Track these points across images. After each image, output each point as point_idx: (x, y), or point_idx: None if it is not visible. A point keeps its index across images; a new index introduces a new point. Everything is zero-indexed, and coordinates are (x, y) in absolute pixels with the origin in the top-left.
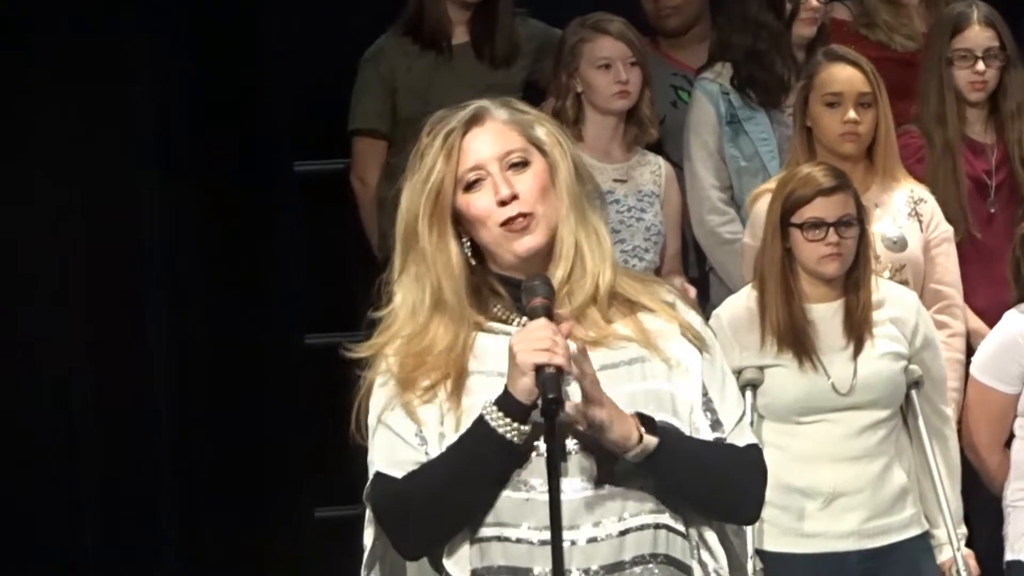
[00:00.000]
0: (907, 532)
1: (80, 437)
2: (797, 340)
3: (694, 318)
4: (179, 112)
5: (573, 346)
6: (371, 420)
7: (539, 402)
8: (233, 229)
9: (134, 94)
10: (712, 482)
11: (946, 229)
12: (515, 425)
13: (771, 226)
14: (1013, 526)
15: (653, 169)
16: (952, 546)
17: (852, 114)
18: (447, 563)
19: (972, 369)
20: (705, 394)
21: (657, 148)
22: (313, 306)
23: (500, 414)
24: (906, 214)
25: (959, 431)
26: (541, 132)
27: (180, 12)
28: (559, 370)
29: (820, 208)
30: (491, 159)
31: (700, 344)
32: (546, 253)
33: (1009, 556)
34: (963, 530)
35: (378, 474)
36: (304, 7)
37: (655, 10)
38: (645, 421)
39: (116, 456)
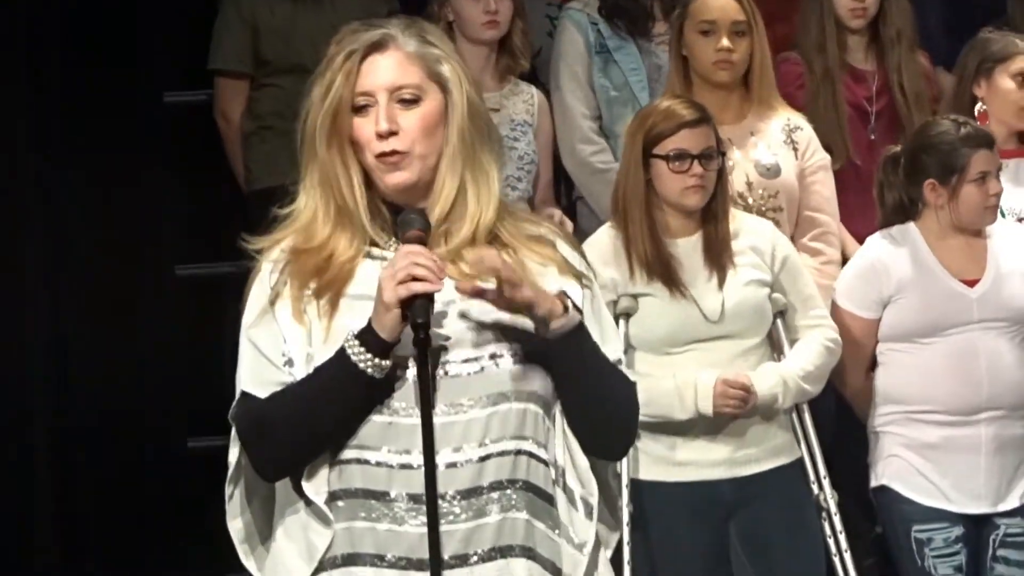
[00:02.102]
0: (778, 460)
1: None
2: (664, 271)
3: (573, 255)
4: (49, 43)
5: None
6: (242, 328)
7: (405, 334)
8: (102, 161)
9: (2, 28)
10: (604, 389)
11: (822, 157)
12: (375, 360)
13: (633, 158)
14: (878, 451)
15: (526, 99)
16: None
17: (726, 42)
18: (305, 485)
19: (834, 294)
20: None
21: (533, 78)
22: (184, 237)
23: (361, 349)
24: (781, 141)
25: None
26: (445, 68)
27: None
28: (429, 296)
29: (684, 140)
30: (381, 88)
31: (578, 279)
32: (424, 189)
33: (874, 482)
34: (788, 370)
35: (243, 393)
36: None
37: None
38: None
39: None
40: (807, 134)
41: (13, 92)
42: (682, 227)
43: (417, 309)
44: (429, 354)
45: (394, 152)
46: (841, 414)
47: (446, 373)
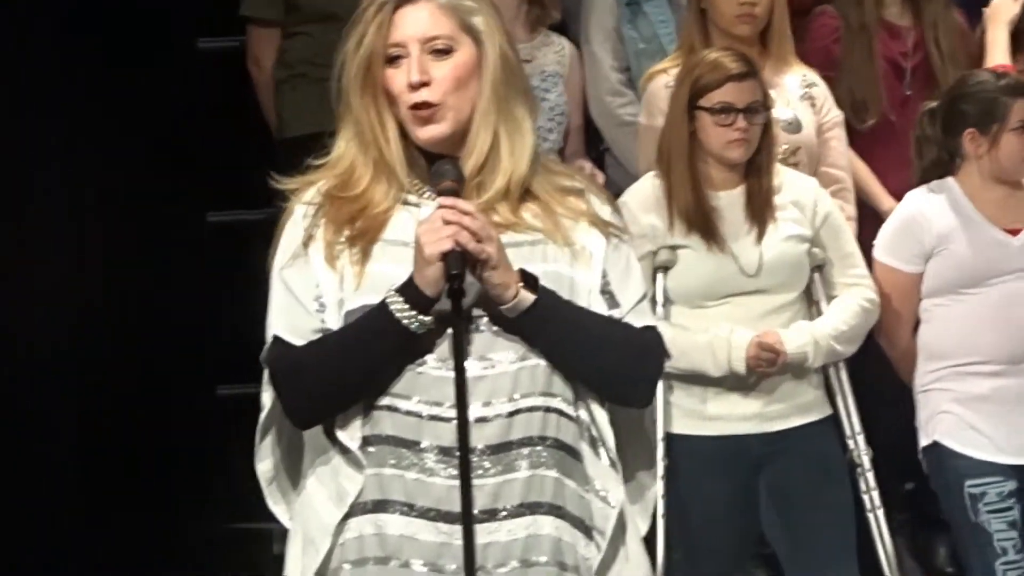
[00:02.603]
0: (808, 416)
1: None
2: (704, 223)
3: (602, 206)
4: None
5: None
6: (274, 268)
7: (444, 289)
8: (135, 107)
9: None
10: (597, 353)
11: (837, 113)
12: (417, 315)
13: (678, 109)
14: (925, 409)
15: (557, 49)
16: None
17: None
18: (339, 432)
19: (875, 251)
20: (604, 277)
21: (560, 30)
22: (215, 184)
23: (404, 303)
24: (799, 97)
25: None
26: (478, 20)
27: None
28: (464, 251)
29: (730, 93)
30: (413, 39)
31: (606, 231)
32: (459, 141)
33: (924, 440)
34: (819, 330)
35: (276, 338)
36: None
37: None
38: (528, 279)
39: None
40: (823, 90)
41: (44, 35)
42: (725, 180)
43: (452, 260)
44: (462, 307)
45: (427, 104)
46: (867, 372)
47: (477, 327)
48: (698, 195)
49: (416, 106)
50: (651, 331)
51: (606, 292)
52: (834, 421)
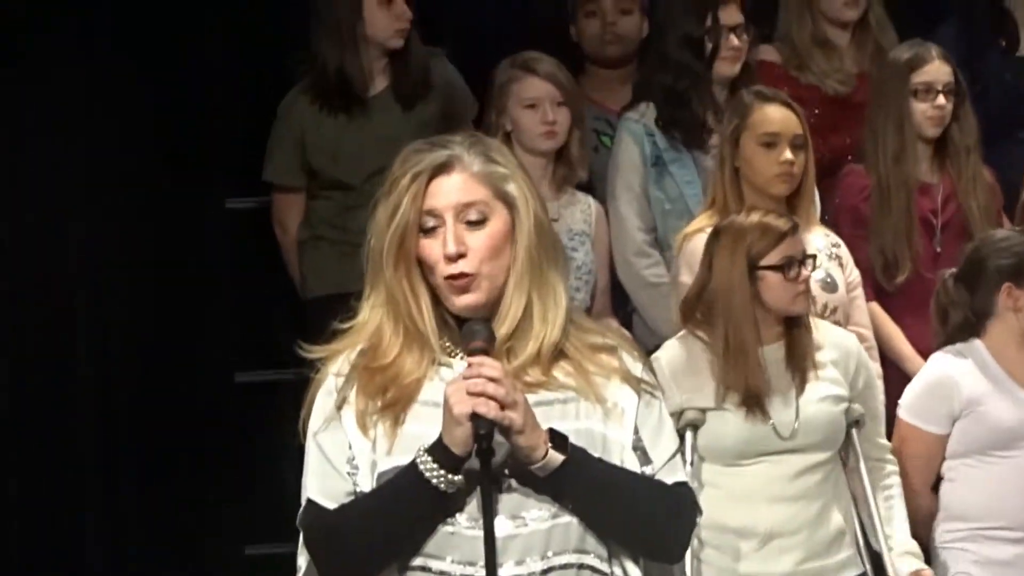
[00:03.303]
0: (843, 574)
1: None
2: (752, 389)
3: (634, 363)
4: (112, 145)
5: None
6: (309, 432)
7: (474, 449)
8: (164, 264)
9: (66, 126)
10: (629, 511)
11: (857, 274)
12: (447, 475)
13: (736, 275)
14: (943, 567)
15: (583, 208)
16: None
17: (789, 154)
18: None
19: (900, 411)
20: (636, 433)
21: (587, 189)
22: (242, 344)
23: (433, 464)
24: (828, 256)
25: None
26: (511, 187)
27: (117, 46)
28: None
29: (789, 248)
30: (448, 208)
31: (638, 387)
32: (493, 305)
33: None
34: (913, 546)
35: (310, 501)
36: (240, 46)
37: (599, 36)
38: (557, 438)
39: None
40: (846, 250)
41: (77, 194)
42: (770, 335)
43: (481, 421)
44: (491, 467)
45: (463, 275)
46: None
47: (508, 487)
48: (756, 365)
49: (453, 276)
50: (683, 487)
51: (638, 448)
52: None
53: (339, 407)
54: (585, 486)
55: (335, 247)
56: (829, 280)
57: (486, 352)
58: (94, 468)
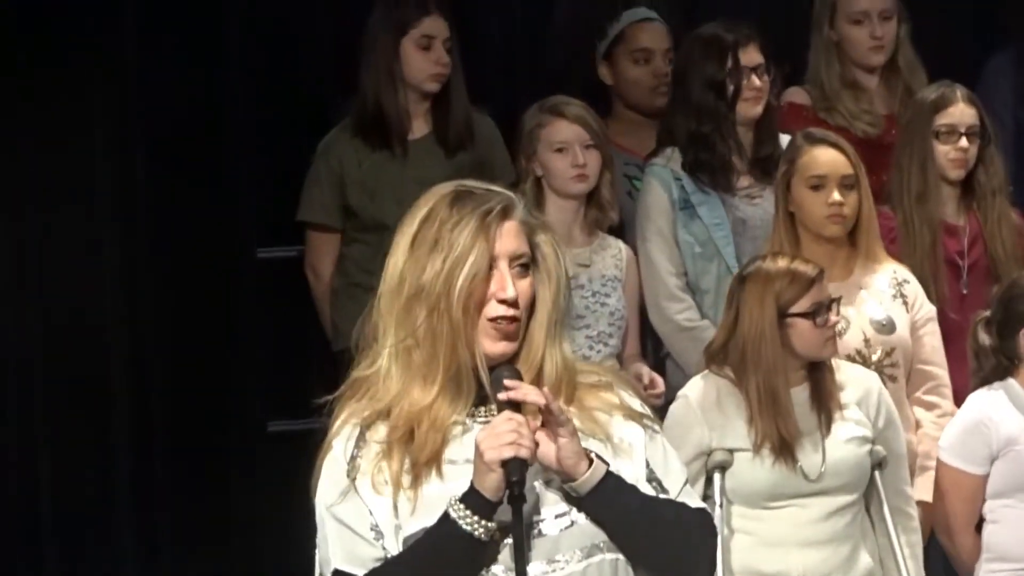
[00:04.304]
0: None
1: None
2: (784, 436)
3: (632, 399)
4: (141, 193)
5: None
6: (321, 506)
7: (505, 496)
8: (195, 313)
9: (96, 173)
10: (664, 529)
11: (930, 309)
12: (482, 522)
13: (765, 322)
14: None
15: (614, 253)
16: None
17: (836, 195)
18: None
19: (940, 452)
20: (648, 467)
21: (617, 232)
22: (274, 392)
23: (467, 511)
24: (891, 296)
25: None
26: (543, 241)
27: (141, 91)
28: (524, 460)
29: (817, 294)
30: (505, 254)
31: (641, 422)
32: (514, 356)
33: None
34: None
35: (337, 572)
36: (269, 94)
37: (652, 84)
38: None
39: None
40: (915, 286)
41: (107, 244)
42: (795, 378)
43: (512, 468)
44: (523, 513)
45: (514, 319)
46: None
47: (540, 532)
48: (788, 412)
49: (504, 319)
50: (704, 512)
51: (652, 480)
52: None
53: (351, 476)
54: (623, 503)
55: (371, 295)
56: (885, 323)
57: (517, 406)
58: (131, 532)
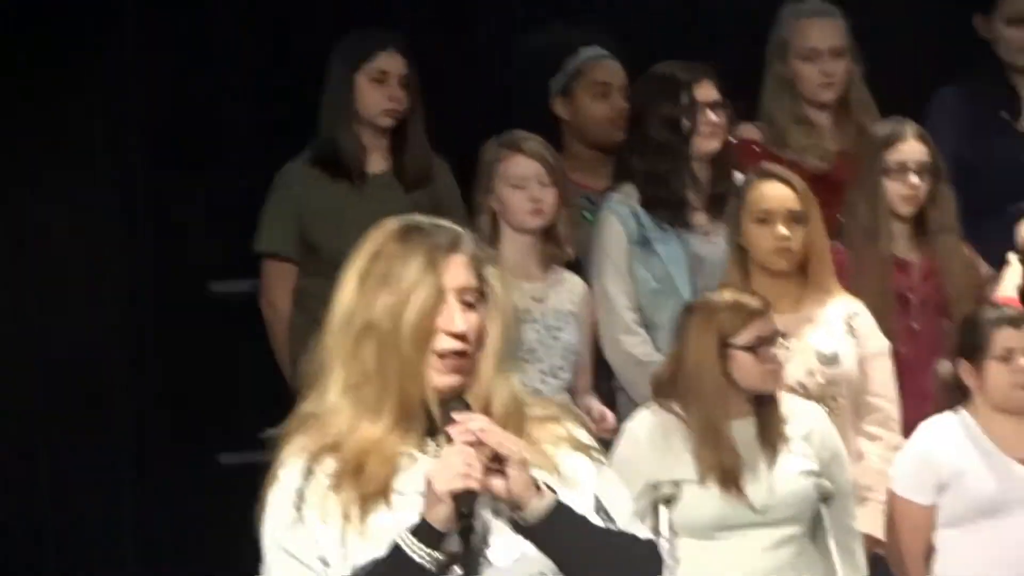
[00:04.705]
0: None
1: None
2: (727, 467)
3: (578, 430)
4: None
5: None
6: (267, 540)
7: (455, 528)
8: (146, 346)
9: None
10: (612, 559)
11: (882, 343)
12: (432, 553)
13: (707, 353)
14: None
15: (570, 287)
16: None
17: (782, 230)
18: None
19: (891, 482)
20: (596, 498)
21: (573, 267)
22: (228, 425)
23: (418, 543)
24: (841, 329)
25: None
26: (491, 274)
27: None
28: (474, 492)
29: (759, 328)
30: (454, 288)
31: (588, 453)
32: (462, 391)
33: None
34: None
35: None
36: (222, 123)
37: (611, 119)
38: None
39: None
40: (866, 319)
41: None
42: (739, 411)
43: (463, 500)
44: (472, 544)
45: (464, 354)
46: None
47: (489, 562)
48: (727, 442)
49: (449, 352)
50: (652, 544)
51: (600, 511)
52: None
53: (298, 507)
54: (572, 533)
55: None
56: (830, 355)
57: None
58: None
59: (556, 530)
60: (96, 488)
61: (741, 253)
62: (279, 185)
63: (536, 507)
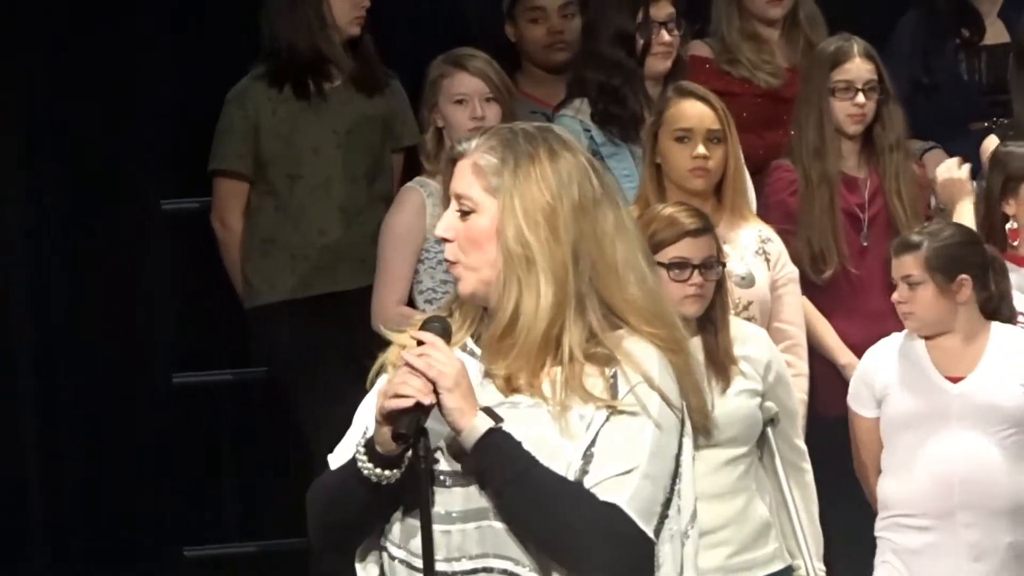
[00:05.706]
0: (771, 567)
1: None
2: None
3: (625, 385)
4: (45, 149)
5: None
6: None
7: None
8: (100, 267)
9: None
10: (545, 503)
11: (792, 270)
12: (378, 471)
13: None
14: (876, 558)
15: None
16: None
17: (701, 149)
18: (357, 566)
19: (847, 398)
20: (591, 447)
21: None
22: (180, 345)
23: (366, 458)
24: (753, 252)
25: None
26: (499, 181)
27: (50, 52)
28: (419, 407)
29: (686, 248)
30: (452, 195)
31: (610, 408)
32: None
33: None
34: (821, 565)
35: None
36: (175, 48)
37: (544, 43)
38: (493, 417)
39: None
40: (778, 246)
41: (9, 196)
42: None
43: (402, 421)
44: (425, 464)
45: (449, 261)
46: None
47: (443, 483)
48: None
49: (446, 260)
50: (611, 508)
51: (585, 458)
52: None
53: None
54: (503, 463)
55: (286, 250)
56: (745, 276)
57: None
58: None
59: (482, 459)
60: None
61: (656, 171)
62: (232, 102)
63: (469, 434)
